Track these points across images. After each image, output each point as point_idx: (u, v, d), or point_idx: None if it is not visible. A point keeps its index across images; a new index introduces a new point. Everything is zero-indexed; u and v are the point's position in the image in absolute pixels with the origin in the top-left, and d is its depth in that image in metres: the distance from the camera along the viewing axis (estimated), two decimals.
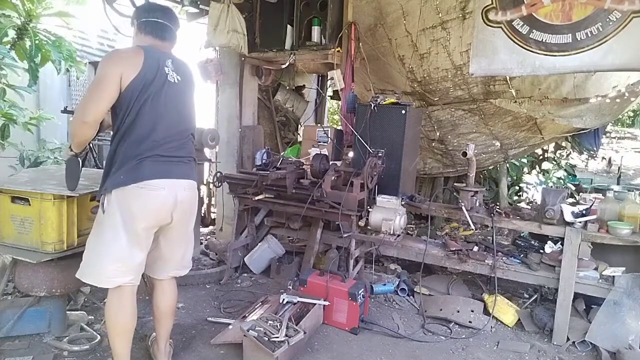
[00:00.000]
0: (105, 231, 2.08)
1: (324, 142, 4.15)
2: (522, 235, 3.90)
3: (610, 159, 6.40)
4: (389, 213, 3.10)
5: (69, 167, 2.39)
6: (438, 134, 4.78)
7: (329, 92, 6.42)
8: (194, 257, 3.92)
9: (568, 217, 3.01)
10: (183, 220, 2.27)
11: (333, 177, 3.29)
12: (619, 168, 7.25)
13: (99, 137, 6.36)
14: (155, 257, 2.31)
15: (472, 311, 3.21)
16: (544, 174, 6.45)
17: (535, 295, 3.46)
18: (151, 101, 2.07)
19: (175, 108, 2.18)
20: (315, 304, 2.91)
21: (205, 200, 5.16)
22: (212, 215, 5.14)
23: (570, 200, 4.79)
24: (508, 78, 3.96)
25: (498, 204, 5.14)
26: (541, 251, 3.38)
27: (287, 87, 5.87)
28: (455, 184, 4.17)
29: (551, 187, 5.82)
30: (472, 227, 3.79)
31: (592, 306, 3.10)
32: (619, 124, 11.07)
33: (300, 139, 5.42)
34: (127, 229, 2.07)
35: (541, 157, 6.55)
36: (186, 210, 2.26)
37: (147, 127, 2.07)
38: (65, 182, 2.42)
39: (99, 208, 2.12)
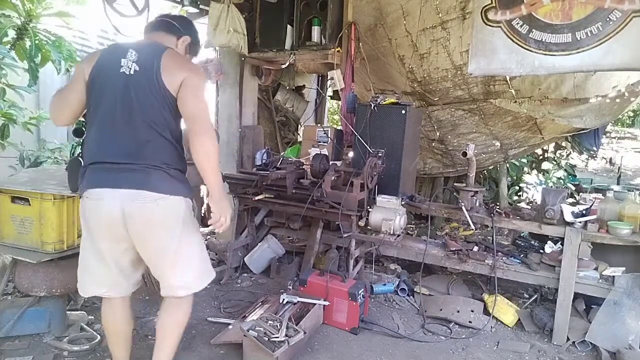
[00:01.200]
0: (82, 239, 2.06)
1: (324, 142, 4.15)
2: (522, 235, 3.90)
3: (611, 159, 6.39)
4: (389, 213, 3.10)
5: (71, 168, 2.40)
6: (438, 134, 4.78)
7: (329, 92, 6.42)
8: None
9: (568, 217, 3.01)
10: (145, 237, 1.92)
11: (333, 177, 3.29)
12: (619, 168, 7.24)
13: None
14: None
15: (472, 311, 3.21)
16: (544, 174, 6.45)
17: (535, 295, 3.46)
18: (98, 98, 1.87)
19: (128, 104, 1.85)
20: (315, 304, 2.91)
21: (206, 200, 5.16)
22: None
23: (570, 200, 4.79)
24: (508, 78, 3.96)
25: (498, 204, 5.14)
26: (541, 251, 3.38)
27: (287, 87, 5.86)
28: (455, 184, 4.17)
29: (551, 187, 5.82)
30: (472, 227, 3.79)
31: (592, 306, 3.10)
32: (619, 124, 11.07)
33: (300, 139, 5.42)
34: (89, 241, 1.98)
35: (541, 157, 6.55)
36: (143, 225, 1.89)
37: (93, 129, 1.89)
38: (67, 182, 2.42)
39: None
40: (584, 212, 3.03)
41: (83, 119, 2.53)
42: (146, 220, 1.88)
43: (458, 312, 3.20)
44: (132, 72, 1.85)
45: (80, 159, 2.38)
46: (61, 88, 2.01)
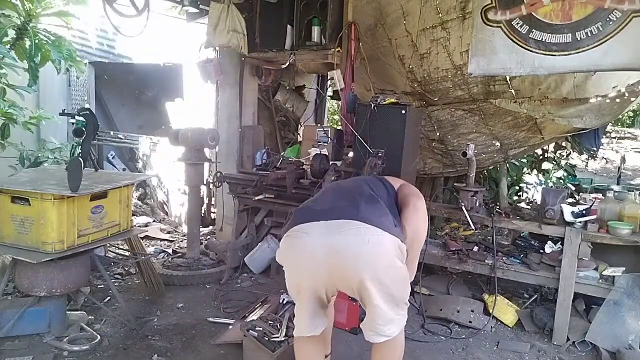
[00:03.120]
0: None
1: (324, 142, 4.14)
2: (522, 235, 3.89)
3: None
4: None
5: (71, 168, 2.39)
6: (438, 134, 4.78)
7: (329, 92, 6.41)
8: (194, 257, 3.92)
9: (568, 217, 3.01)
10: (347, 267, 1.83)
11: (333, 177, 3.28)
12: (619, 168, 7.23)
13: (99, 137, 6.36)
14: None
15: (472, 311, 3.21)
16: (544, 174, 6.45)
17: (535, 295, 3.45)
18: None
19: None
20: None
21: (205, 200, 5.16)
22: (212, 215, 5.14)
23: (570, 200, 4.79)
24: (508, 78, 3.95)
25: (498, 204, 5.13)
26: (541, 251, 3.37)
27: (287, 87, 5.86)
28: (455, 184, 4.17)
29: (551, 187, 5.81)
30: (472, 227, 3.79)
31: (592, 306, 3.10)
32: (619, 124, 11.06)
33: (300, 139, 5.42)
34: (288, 278, 1.99)
35: (541, 157, 6.54)
36: (348, 256, 1.80)
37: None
38: (67, 182, 2.42)
39: None
40: (584, 212, 3.03)
41: (83, 119, 2.54)
42: (355, 252, 1.81)
43: (458, 312, 3.20)
44: None
45: (81, 159, 2.39)
46: None
